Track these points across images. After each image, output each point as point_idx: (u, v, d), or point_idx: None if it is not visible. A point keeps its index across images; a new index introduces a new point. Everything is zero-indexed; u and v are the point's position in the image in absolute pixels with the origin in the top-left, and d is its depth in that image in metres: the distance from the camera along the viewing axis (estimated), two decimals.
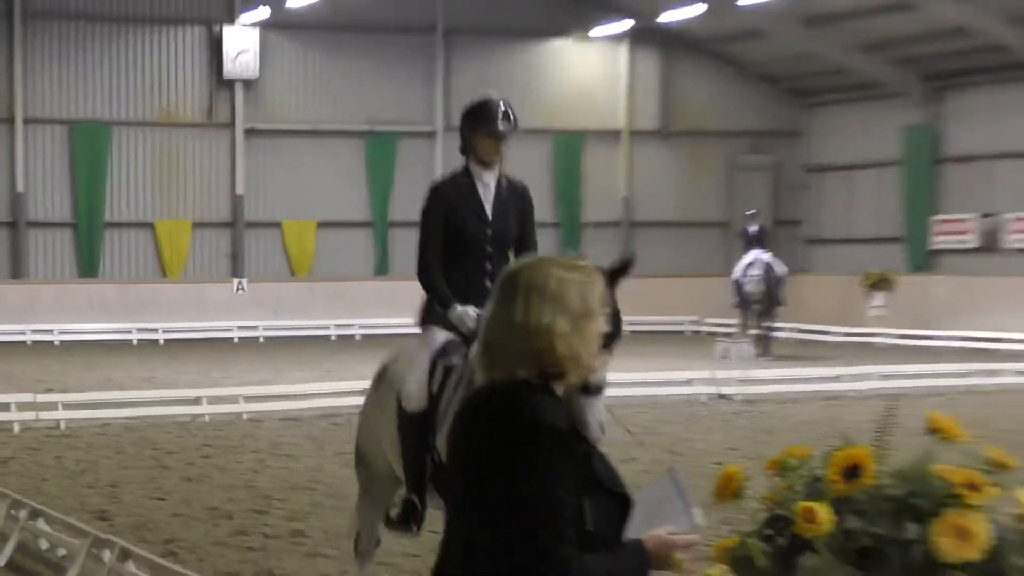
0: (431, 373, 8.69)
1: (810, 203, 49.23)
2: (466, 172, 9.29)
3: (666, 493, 4.59)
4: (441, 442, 8.08)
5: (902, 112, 45.42)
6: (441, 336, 8.94)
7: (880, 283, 41.22)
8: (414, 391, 8.70)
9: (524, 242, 9.39)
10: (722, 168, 48.40)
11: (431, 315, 9.13)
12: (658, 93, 48.50)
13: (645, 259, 37.53)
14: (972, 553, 3.94)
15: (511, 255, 9.24)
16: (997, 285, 40.15)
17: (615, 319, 6.89)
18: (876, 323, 39.39)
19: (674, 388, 24.88)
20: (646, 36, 47.06)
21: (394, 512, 9.45)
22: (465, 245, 9.14)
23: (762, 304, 32.84)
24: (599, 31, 47.40)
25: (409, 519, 9.11)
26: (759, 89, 49.07)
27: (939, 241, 44.21)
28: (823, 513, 4.10)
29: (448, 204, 9.18)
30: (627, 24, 46.87)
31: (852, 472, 4.19)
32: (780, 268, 33.21)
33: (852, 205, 47.62)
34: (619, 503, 4.39)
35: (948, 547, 3.94)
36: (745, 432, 20.23)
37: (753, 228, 34.71)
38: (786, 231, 46.21)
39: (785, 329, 35.41)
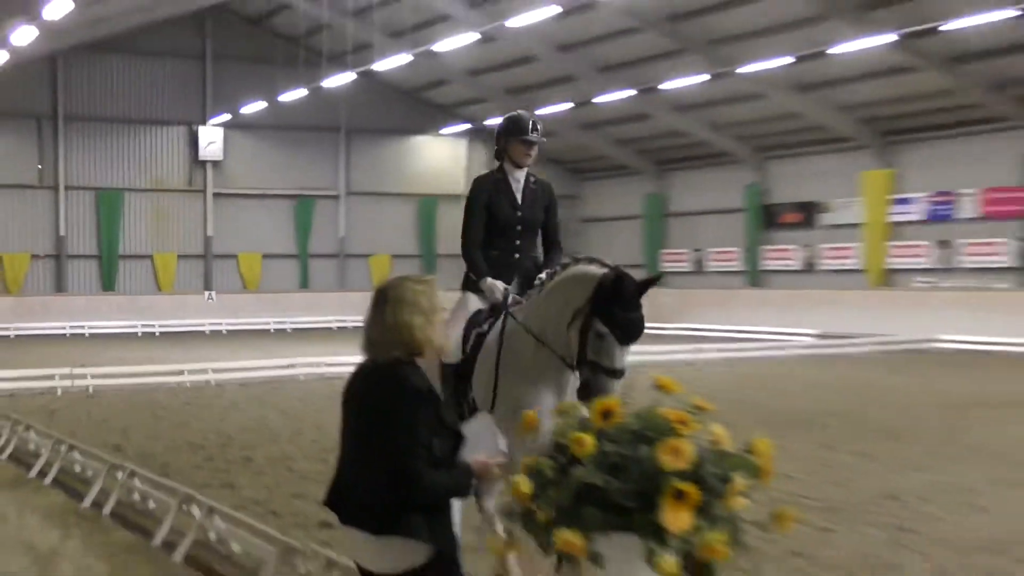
0: (465, 338, 7.14)
1: (584, 243, 49.59)
2: (500, 170, 7.78)
3: (484, 430, 4.60)
4: (473, 395, 6.96)
5: (643, 184, 46.17)
6: (474, 304, 7.37)
7: None
8: (452, 348, 7.07)
9: (548, 229, 7.80)
10: None
11: (468, 283, 7.54)
12: (488, 171, 48.56)
13: None
14: (682, 464, 3.98)
15: (540, 238, 7.84)
16: (702, 295, 40.99)
17: (636, 322, 6.16)
18: None
19: None
20: (478, 134, 47.12)
21: None
22: (500, 228, 7.59)
23: None
24: (447, 131, 47.51)
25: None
26: (552, 168, 49.34)
27: (667, 266, 44.85)
28: (588, 440, 4.12)
29: (487, 193, 7.66)
30: (466, 126, 47.02)
31: (607, 414, 4.22)
32: None
33: (611, 244, 47.91)
34: (455, 438, 4.38)
35: (667, 461, 3.97)
36: None
37: None
38: None
39: None
